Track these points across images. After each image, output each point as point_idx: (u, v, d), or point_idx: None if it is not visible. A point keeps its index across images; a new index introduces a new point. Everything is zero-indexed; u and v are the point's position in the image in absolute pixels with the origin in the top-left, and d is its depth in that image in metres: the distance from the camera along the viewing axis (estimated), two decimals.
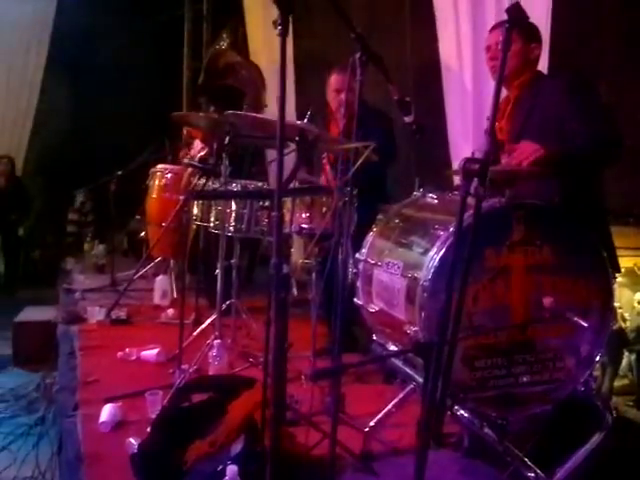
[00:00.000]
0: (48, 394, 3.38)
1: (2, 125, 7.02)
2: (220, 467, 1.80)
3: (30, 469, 2.70)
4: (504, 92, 2.40)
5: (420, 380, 1.88)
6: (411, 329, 1.85)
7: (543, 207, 1.93)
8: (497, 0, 2.96)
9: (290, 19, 1.46)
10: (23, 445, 2.96)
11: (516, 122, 2.30)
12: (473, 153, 2.31)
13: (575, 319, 1.83)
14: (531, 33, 2.32)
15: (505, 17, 1.42)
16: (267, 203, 3.01)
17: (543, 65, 2.58)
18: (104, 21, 6.74)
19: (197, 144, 4.40)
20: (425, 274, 1.82)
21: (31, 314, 4.54)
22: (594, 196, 2.23)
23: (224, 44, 4.90)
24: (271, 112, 4.78)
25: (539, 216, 1.90)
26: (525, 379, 1.90)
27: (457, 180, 2.63)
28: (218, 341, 2.83)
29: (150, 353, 3.03)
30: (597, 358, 1.98)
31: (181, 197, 3.87)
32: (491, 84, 2.75)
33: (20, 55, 6.94)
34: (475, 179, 1.45)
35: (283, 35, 1.50)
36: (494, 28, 2.41)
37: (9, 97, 7.00)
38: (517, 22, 1.32)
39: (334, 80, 3.25)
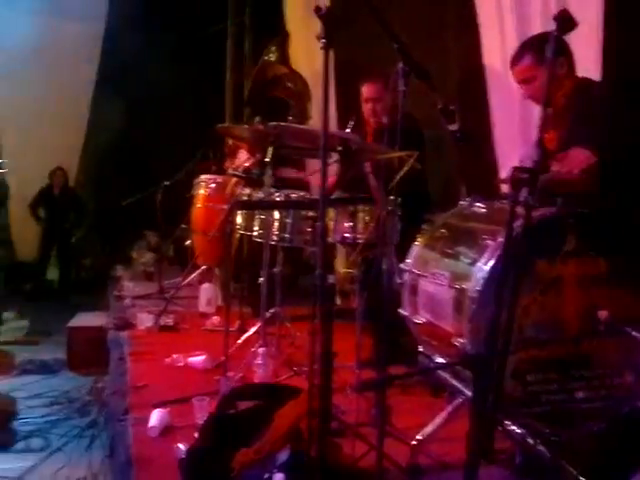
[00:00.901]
0: (100, 398, 3.48)
1: (56, 138, 7.29)
2: (267, 475, 1.81)
3: (83, 471, 2.78)
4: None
5: (469, 393, 1.85)
6: (459, 341, 1.82)
7: (597, 216, 1.87)
8: (543, 4, 2.89)
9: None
10: (76, 447, 3.06)
11: (563, 131, 2.24)
12: (521, 160, 2.28)
13: (634, 334, 1.76)
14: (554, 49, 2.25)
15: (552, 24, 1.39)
16: (310, 212, 3.02)
17: (596, 69, 2.50)
18: (150, 37, 6.94)
19: (242, 154, 4.47)
20: (473, 285, 1.79)
21: (84, 319, 4.69)
22: None
23: (272, 56, 4.98)
24: (316, 123, 4.83)
25: (593, 225, 1.84)
26: (581, 395, 1.84)
27: (505, 188, 2.59)
28: (263, 349, 2.85)
29: (197, 360, 3.08)
30: None
31: (225, 206, 3.93)
32: None
33: (71, 71, 7.21)
34: (524, 188, 1.43)
35: (326, 48, 1.51)
36: (514, 64, 2.36)
37: (62, 112, 7.27)
38: (566, 29, 1.29)
39: (365, 90, 3.29)
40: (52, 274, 7.07)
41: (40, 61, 7.04)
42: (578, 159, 1.96)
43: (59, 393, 3.81)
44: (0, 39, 6.83)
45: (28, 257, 7.23)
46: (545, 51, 2.07)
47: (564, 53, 2.28)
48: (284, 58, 5.36)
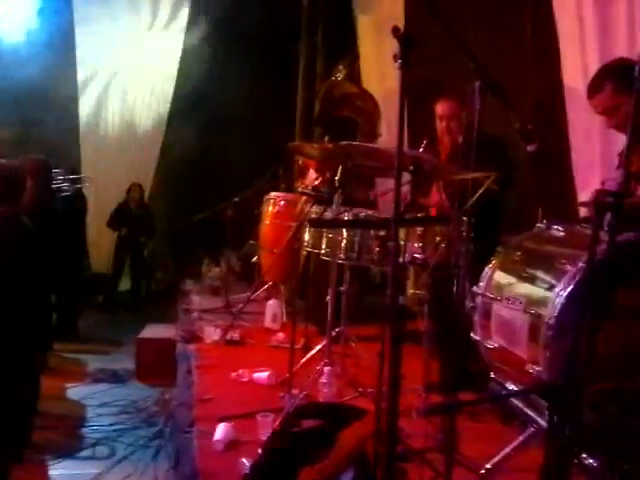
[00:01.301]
0: (167, 409, 3.55)
1: (133, 154, 7.64)
2: None
3: None
4: None
5: (542, 423, 1.77)
6: (534, 368, 1.75)
7: None
8: (628, 24, 2.79)
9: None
10: (142, 456, 3.13)
11: None
12: (603, 183, 2.19)
13: None
14: (629, 80, 2.16)
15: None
16: (378, 232, 3.01)
17: None
18: (225, 55, 7.19)
19: (311, 173, 4.52)
20: (551, 311, 1.72)
21: (153, 331, 4.82)
22: None
23: (340, 75, 5.03)
24: (385, 141, 4.83)
25: None
26: None
27: (584, 212, 2.49)
28: (328, 368, 2.85)
29: (261, 375, 3.11)
30: None
31: (293, 224, 3.98)
32: None
33: (148, 88, 7.55)
34: (608, 212, 1.37)
35: (403, 69, 1.51)
36: (592, 93, 2.28)
37: (138, 129, 7.62)
38: None
39: (439, 107, 3.26)
40: (124, 286, 7.35)
41: (120, 79, 7.43)
42: None
43: (127, 402, 3.91)
44: (83, 59, 7.28)
45: (102, 269, 7.55)
46: (628, 78, 2.02)
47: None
48: (353, 77, 5.39)
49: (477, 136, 2.64)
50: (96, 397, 4.04)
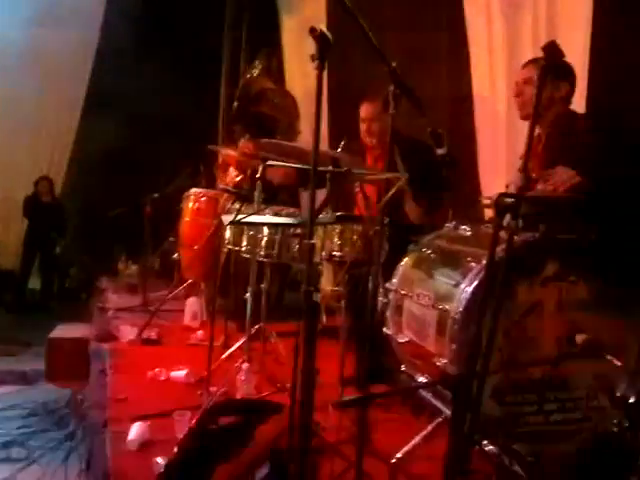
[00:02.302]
0: (78, 410, 3.43)
1: (43, 148, 7.28)
2: None
3: None
4: (536, 131, 2.40)
5: (449, 413, 1.87)
6: (441, 361, 1.84)
7: (579, 242, 1.92)
8: (533, 35, 2.98)
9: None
10: (52, 459, 3.01)
11: (547, 161, 2.30)
12: (507, 186, 2.33)
13: (609, 357, 1.80)
14: (559, 71, 2.31)
15: (541, 54, 1.44)
16: (299, 230, 3.05)
17: (581, 103, 2.58)
18: (145, 49, 6.99)
19: (232, 171, 4.50)
20: (456, 306, 1.82)
21: (65, 331, 4.62)
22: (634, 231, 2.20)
23: (256, 71, 5.01)
24: (305, 139, 4.87)
25: (574, 251, 1.89)
26: (556, 417, 1.86)
27: (488, 213, 2.64)
28: (246, 365, 2.85)
29: (179, 374, 3.06)
30: (632, 399, 1.93)
31: (214, 221, 3.94)
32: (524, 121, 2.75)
33: (62, 80, 7.21)
34: (508, 213, 1.46)
35: (320, 69, 1.54)
36: (525, 65, 2.42)
37: (50, 121, 7.26)
38: (553, 60, 1.34)
39: (363, 110, 3.32)
40: (34, 284, 6.99)
41: (31, 70, 7.06)
42: (563, 178, 2.01)
43: (36, 404, 3.76)
44: None
45: (9, 266, 7.15)
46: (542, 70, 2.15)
47: (567, 79, 2.33)
48: (270, 73, 5.38)
49: (404, 140, 2.75)
50: (3, 400, 3.86)
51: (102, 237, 7.16)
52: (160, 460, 2.08)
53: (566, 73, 2.34)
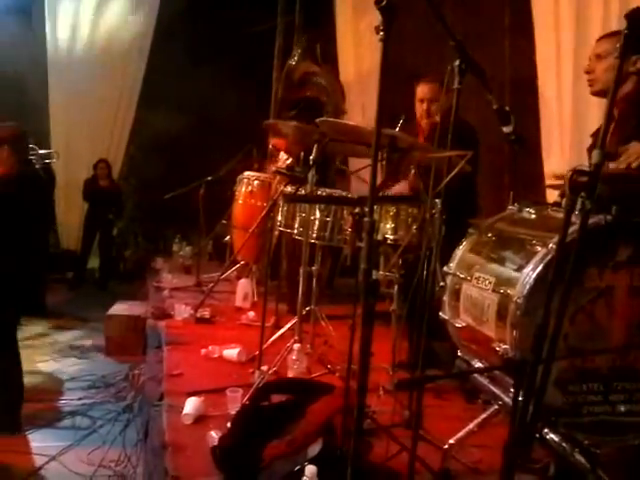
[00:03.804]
0: (136, 384, 3.54)
1: (102, 132, 7.48)
2: (298, 467, 1.82)
3: (117, 453, 2.83)
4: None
5: (507, 400, 1.81)
6: (501, 347, 1.78)
7: None
8: (604, 10, 2.82)
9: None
10: (111, 430, 3.12)
11: (620, 139, 2.18)
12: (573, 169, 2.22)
13: None
14: (632, 43, 2.18)
15: (611, 29, 1.35)
16: (351, 212, 3.01)
17: None
18: (199, 35, 7.07)
19: (282, 155, 4.50)
20: (520, 291, 1.75)
21: (122, 308, 4.78)
22: None
23: (294, 59, 4.98)
24: (351, 118, 4.79)
25: None
26: (623, 408, 1.78)
27: (553, 196, 2.53)
28: (298, 345, 2.86)
29: (231, 352, 3.11)
30: None
31: (266, 204, 3.96)
32: (591, 98, 2.62)
33: (120, 67, 7.37)
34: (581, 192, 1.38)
35: (385, 41, 1.50)
36: (601, 38, 2.30)
37: (109, 107, 7.44)
38: (638, 30, 1.25)
39: (419, 90, 3.24)
40: (94, 263, 7.24)
41: (91, 55, 7.25)
42: (637, 152, 1.89)
43: (96, 377, 3.90)
44: (53, 33, 7.08)
45: (71, 246, 7.42)
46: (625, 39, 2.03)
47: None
48: (313, 55, 5.30)
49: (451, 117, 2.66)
50: (64, 372, 4.02)
51: (158, 219, 7.34)
52: (214, 434, 2.11)
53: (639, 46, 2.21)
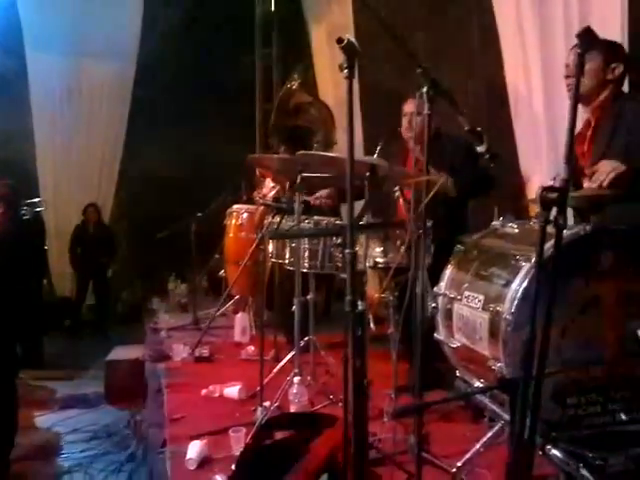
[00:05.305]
0: (138, 431, 3.50)
1: (90, 176, 7.51)
2: None
3: None
4: (585, 115, 2.33)
5: (508, 418, 1.80)
6: (496, 365, 1.78)
7: (632, 231, 1.83)
8: (566, 22, 2.88)
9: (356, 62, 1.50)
10: None
11: (599, 145, 2.22)
12: (554, 179, 2.25)
13: None
14: (612, 52, 2.25)
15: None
16: (340, 239, 3.02)
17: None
18: (181, 71, 7.16)
19: (268, 183, 4.52)
20: (508, 307, 1.76)
21: (121, 353, 4.74)
22: None
23: (295, 84, 5.04)
24: (341, 149, 4.86)
25: (629, 241, 1.80)
26: (623, 417, 1.77)
27: (534, 209, 2.55)
28: (298, 378, 2.84)
29: (232, 390, 3.08)
30: None
31: (255, 236, 3.97)
32: (564, 107, 2.67)
33: (105, 109, 7.44)
34: (554, 208, 1.40)
35: (349, 78, 1.53)
36: (574, 46, 2.34)
37: (95, 150, 7.49)
38: (588, 46, 1.29)
39: (406, 106, 3.28)
40: (89, 309, 7.21)
41: (75, 100, 7.31)
42: (606, 171, 1.93)
43: (98, 427, 3.85)
44: (36, 80, 7.15)
45: (66, 292, 7.40)
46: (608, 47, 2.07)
47: (621, 60, 2.25)
48: (307, 85, 5.40)
49: (448, 141, 2.70)
50: (66, 424, 3.97)
51: (152, 259, 7.33)
52: (219, 478, 2.09)
53: (618, 54, 2.27)
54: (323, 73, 6.06)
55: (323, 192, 4.05)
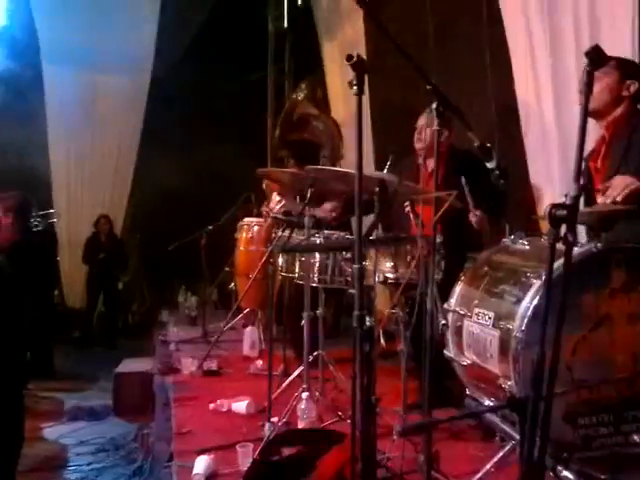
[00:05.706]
0: (145, 444, 3.49)
1: (103, 188, 7.59)
2: None
3: None
4: (599, 131, 2.32)
5: (519, 437, 1.77)
6: (506, 383, 1.76)
7: None
8: (576, 37, 2.88)
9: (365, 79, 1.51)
10: None
11: (613, 161, 2.20)
12: (566, 195, 2.23)
13: None
14: (628, 69, 2.25)
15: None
16: (350, 254, 3.01)
17: None
18: (194, 87, 7.23)
19: (274, 197, 4.53)
20: (518, 325, 1.74)
21: (130, 365, 4.74)
22: None
23: (301, 95, 5.05)
24: (348, 162, 4.87)
25: None
26: (636, 438, 1.74)
27: (544, 225, 2.53)
28: (306, 394, 2.82)
29: (240, 405, 3.06)
30: None
31: (265, 249, 3.97)
32: (575, 123, 2.65)
33: (119, 121, 7.52)
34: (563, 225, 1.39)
35: (359, 95, 1.54)
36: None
37: (108, 162, 7.57)
38: (597, 64, 1.28)
39: (419, 120, 3.27)
40: (100, 320, 7.24)
41: (89, 113, 7.40)
42: (620, 186, 1.91)
43: (106, 440, 3.85)
44: (51, 92, 7.25)
45: (77, 304, 7.44)
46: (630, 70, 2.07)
47: (637, 79, 2.25)
48: (314, 98, 5.40)
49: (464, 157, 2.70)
50: (73, 436, 3.97)
51: (162, 271, 7.36)
52: None
53: (635, 71, 2.27)
54: (334, 89, 6.09)
55: (327, 205, 4.06)
